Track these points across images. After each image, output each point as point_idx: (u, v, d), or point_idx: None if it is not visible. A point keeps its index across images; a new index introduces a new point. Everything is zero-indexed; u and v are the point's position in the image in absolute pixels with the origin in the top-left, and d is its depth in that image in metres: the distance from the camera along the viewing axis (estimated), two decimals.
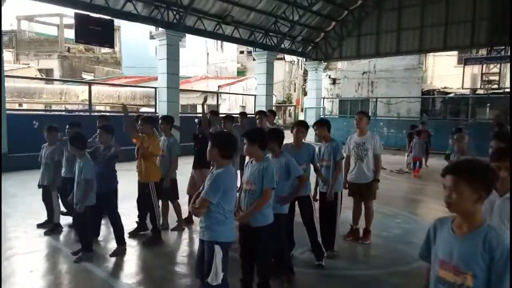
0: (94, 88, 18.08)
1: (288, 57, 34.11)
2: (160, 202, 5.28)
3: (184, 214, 5.38)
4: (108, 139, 4.62)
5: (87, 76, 26.83)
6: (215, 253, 2.70)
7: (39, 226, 5.32)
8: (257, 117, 6.59)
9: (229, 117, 6.24)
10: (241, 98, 26.30)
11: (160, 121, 5.26)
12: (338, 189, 4.44)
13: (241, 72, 35.72)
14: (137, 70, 29.75)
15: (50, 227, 5.15)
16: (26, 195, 7.20)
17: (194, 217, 5.67)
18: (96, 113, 12.32)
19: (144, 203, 5.01)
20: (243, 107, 27.06)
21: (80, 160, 4.19)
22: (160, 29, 13.24)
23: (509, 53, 14.92)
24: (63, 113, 13.40)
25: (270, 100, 17.80)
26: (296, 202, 4.11)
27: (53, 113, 12.48)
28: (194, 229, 5.44)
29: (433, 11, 16.29)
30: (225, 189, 2.73)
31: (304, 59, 21.34)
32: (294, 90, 40.02)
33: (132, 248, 4.66)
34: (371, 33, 18.27)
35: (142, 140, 4.81)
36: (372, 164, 4.90)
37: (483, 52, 21.42)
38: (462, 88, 15.76)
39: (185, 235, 5.27)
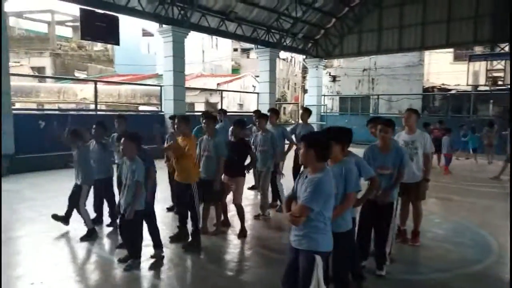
0: (93, 86, 17.57)
1: (282, 55, 33.92)
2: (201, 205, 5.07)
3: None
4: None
5: (80, 74, 26.13)
6: (316, 264, 2.50)
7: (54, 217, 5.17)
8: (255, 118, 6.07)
9: (265, 115, 5.94)
10: (238, 96, 26.04)
11: (204, 119, 4.97)
12: (394, 198, 4.04)
13: (235, 70, 35.40)
14: (130, 68, 29.16)
15: (87, 233, 4.89)
16: (45, 198, 6.86)
17: (231, 220, 5.50)
18: (101, 112, 11.92)
19: (185, 205, 4.76)
20: (241, 105, 26.84)
21: (132, 162, 3.92)
22: (164, 26, 12.90)
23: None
24: (72, 112, 12.92)
25: (273, 97, 17.60)
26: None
27: (61, 113, 12.01)
28: (231, 232, 5.23)
29: (435, 7, 16.31)
30: (327, 195, 2.53)
31: (304, 57, 21.18)
32: (288, 88, 39.87)
33: (177, 253, 4.41)
34: (372, 29, 18.21)
35: (178, 146, 4.59)
36: (422, 163, 4.75)
37: (479, 49, 21.72)
38: (467, 85, 15.85)
39: (228, 239, 5.02)
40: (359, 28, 18.66)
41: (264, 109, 17.13)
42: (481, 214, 6.46)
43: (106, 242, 4.87)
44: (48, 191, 7.47)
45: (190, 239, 4.63)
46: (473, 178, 9.80)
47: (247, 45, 36.52)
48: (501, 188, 8.78)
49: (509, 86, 15.03)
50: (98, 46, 30.49)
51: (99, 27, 10.86)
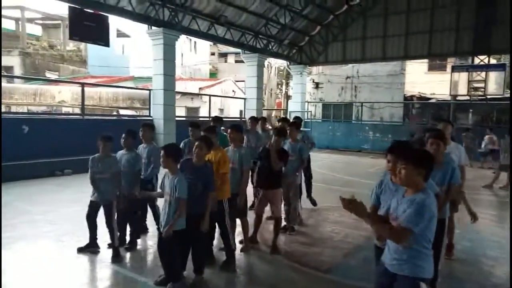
0: (72, 88, 16.62)
1: None
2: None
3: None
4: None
5: (52, 75, 24.81)
6: None
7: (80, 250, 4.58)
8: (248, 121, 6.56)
9: (295, 123, 5.76)
10: (219, 100, 25.69)
11: (229, 130, 4.71)
12: (446, 214, 3.83)
13: (213, 74, 35.01)
14: (104, 70, 28.12)
15: (113, 252, 4.47)
16: (43, 212, 6.28)
17: (261, 237, 5.22)
18: (89, 116, 11.22)
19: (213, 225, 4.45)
20: (221, 109, 26.48)
21: (174, 176, 3.59)
22: (154, 28, 12.44)
23: (491, 62, 15.74)
24: (57, 116, 12.11)
25: (261, 103, 17.45)
26: None
27: (47, 117, 11.20)
28: (260, 249, 4.95)
29: (418, 18, 16.82)
30: (430, 216, 2.36)
31: (288, 63, 21.21)
32: (265, 93, 39.84)
33: (215, 274, 4.09)
34: (357, 38, 18.53)
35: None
36: None
37: (451, 60, 22.66)
38: (450, 95, 16.43)
39: (261, 256, 4.73)
40: (343, 36, 18.92)
41: (252, 115, 17.05)
42: (492, 225, 6.58)
43: (134, 263, 4.45)
44: (42, 203, 6.88)
45: (225, 258, 4.34)
46: (469, 187, 10.01)
47: (224, 50, 36.33)
48: (495, 196, 9.08)
49: (486, 97, 15.72)
50: (70, 46, 29.23)
51: (88, 27, 10.28)
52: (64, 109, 19.91)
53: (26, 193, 7.56)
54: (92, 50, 28.66)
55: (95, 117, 11.57)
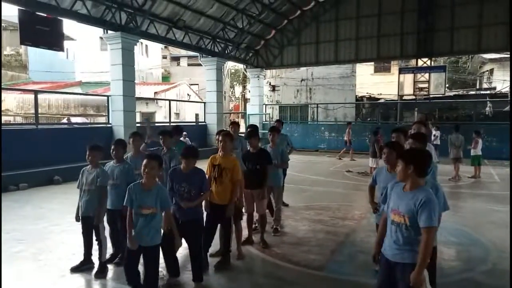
0: (17, 96, 15.47)
1: None
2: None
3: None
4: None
5: None
6: (424, 276, 2.57)
7: (74, 270, 4.36)
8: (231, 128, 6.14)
9: (277, 129, 5.90)
10: (175, 105, 25.25)
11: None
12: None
13: (165, 78, 34.30)
14: (47, 75, 26.43)
15: (98, 268, 4.27)
16: (7, 230, 5.85)
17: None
18: (43, 126, 10.55)
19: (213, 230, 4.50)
20: (177, 114, 26.06)
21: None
22: (111, 32, 12.03)
23: (432, 64, 17.09)
24: (9, 126, 11.19)
25: (221, 107, 17.47)
26: None
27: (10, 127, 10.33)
28: (249, 251, 5.03)
29: (367, 24, 17.84)
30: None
31: (244, 66, 21.44)
32: None
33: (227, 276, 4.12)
34: (311, 42, 19.22)
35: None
36: None
37: (394, 63, 24.29)
38: (398, 95, 17.61)
39: (251, 259, 4.79)
40: (298, 40, 19.52)
41: (212, 119, 17.07)
42: (455, 213, 7.20)
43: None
44: (4, 221, 6.37)
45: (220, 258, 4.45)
46: None
47: (176, 53, 35.74)
48: (447, 187, 9.94)
49: (429, 96, 17.08)
50: (8, 50, 27.19)
51: (41, 32, 9.72)
52: (4, 118, 18.46)
53: None
54: (33, 55, 26.86)
55: (50, 126, 10.88)
